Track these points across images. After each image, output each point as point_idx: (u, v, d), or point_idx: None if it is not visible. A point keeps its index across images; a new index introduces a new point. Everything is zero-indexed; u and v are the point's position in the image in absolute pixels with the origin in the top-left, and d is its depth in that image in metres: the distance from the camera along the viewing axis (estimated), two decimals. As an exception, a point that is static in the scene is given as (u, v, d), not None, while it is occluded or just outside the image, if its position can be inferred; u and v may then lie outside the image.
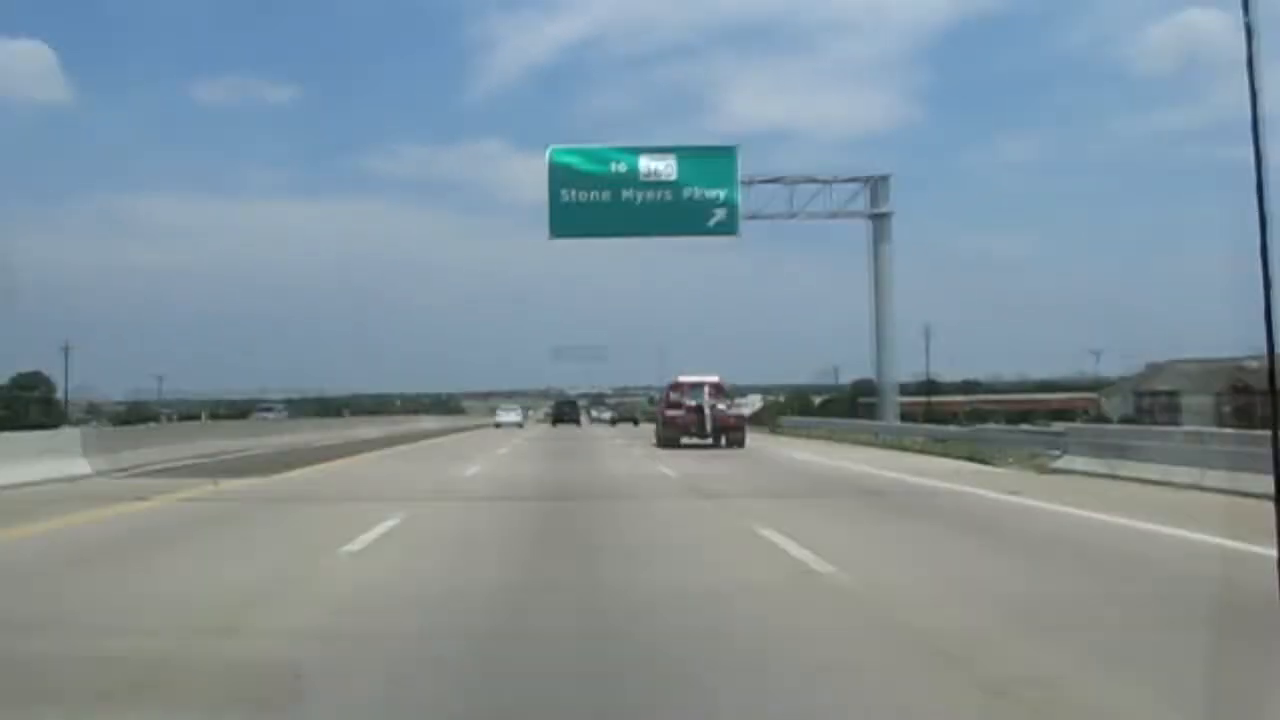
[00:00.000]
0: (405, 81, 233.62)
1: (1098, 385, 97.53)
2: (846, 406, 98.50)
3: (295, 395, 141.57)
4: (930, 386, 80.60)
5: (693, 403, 26.33)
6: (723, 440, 26.04)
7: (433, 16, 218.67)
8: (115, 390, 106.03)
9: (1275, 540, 2.25)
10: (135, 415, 54.21)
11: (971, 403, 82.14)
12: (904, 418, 78.90)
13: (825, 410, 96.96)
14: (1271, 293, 2.04)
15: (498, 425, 50.29)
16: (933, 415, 66.71)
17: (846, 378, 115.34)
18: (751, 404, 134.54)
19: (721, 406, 26.63)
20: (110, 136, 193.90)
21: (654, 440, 28.64)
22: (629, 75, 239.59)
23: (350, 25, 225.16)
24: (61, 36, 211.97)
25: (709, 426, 26.00)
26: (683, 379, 27.78)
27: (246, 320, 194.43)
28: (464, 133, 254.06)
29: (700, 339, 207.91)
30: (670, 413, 27.03)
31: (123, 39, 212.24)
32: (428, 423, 50.15)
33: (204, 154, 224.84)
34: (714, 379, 27.54)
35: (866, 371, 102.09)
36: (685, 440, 26.10)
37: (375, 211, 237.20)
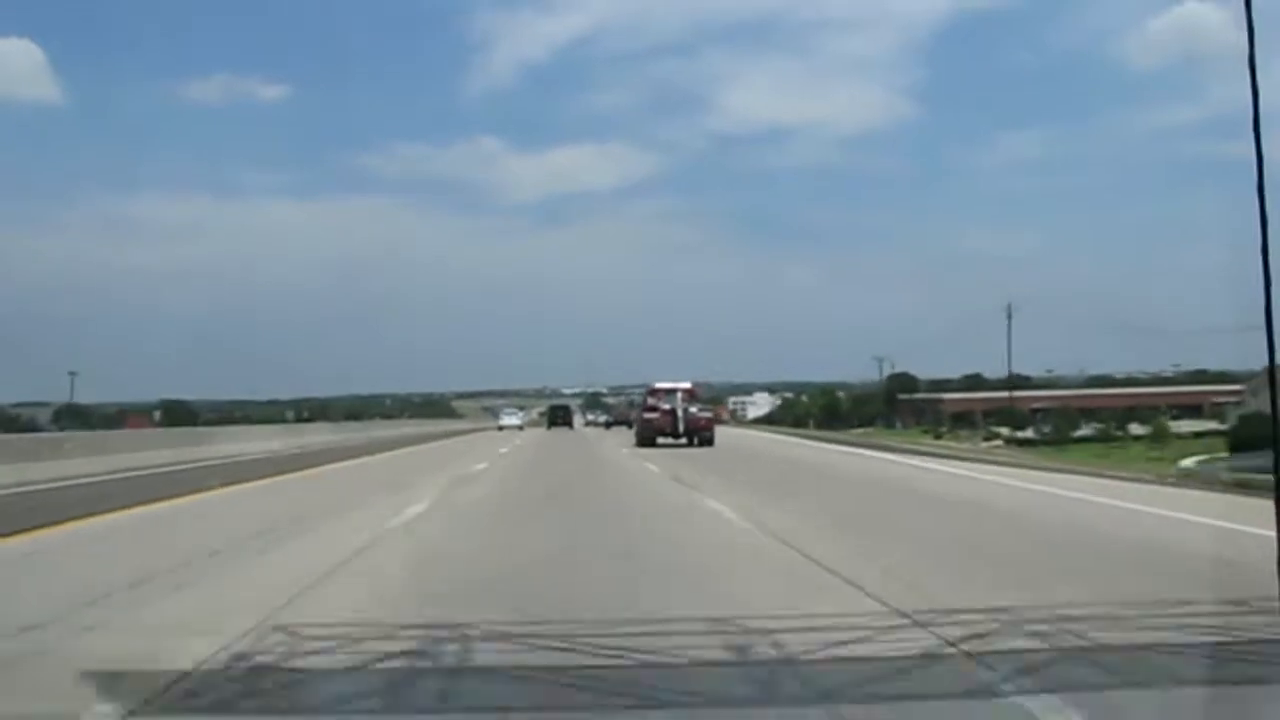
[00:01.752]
0: (400, 80, 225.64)
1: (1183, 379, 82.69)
2: (881, 405, 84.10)
3: (282, 397, 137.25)
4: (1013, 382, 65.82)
5: (667, 406, 28.60)
6: (695, 440, 27.90)
7: (428, 14, 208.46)
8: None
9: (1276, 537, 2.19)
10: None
11: (1064, 398, 66.81)
12: (958, 419, 64.07)
13: (859, 410, 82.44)
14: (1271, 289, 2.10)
15: (500, 428, 57.21)
16: (1014, 415, 52.08)
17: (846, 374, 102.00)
18: (760, 405, 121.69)
19: (694, 410, 28.93)
20: (101, 136, 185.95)
21: (634, 441, 30.05)
22: (627, 73, 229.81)
23: (343, 23, 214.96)
24: (50, 35, 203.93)
25: (681, 428, 28.18)
26: (659, 385, 30.44)
27: (238, 322, 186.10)
28: (461, 131, 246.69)
29: (702, 336, 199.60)
30: (647, 415, 29.27)
31: (112, 37, 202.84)
32: (264, 442, 26.92)
33: (197, 154, 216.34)
34: (686, 385, 30.13)
35: (902, 365, 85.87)
36: (660, 440, 27.94)
37: (371, 211, 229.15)
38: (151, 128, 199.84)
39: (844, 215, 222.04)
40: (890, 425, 68.23)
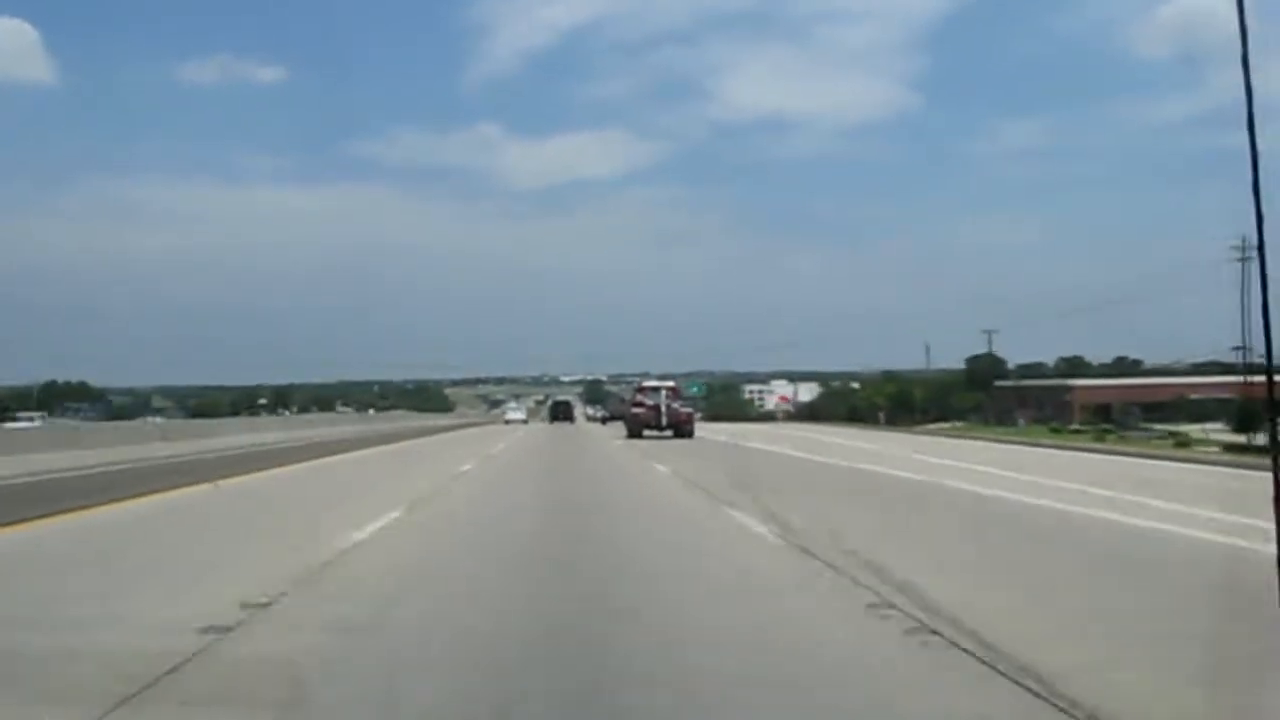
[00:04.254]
0: (401, 65, 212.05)
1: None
2: (970, 396, 64.85)
3: (270, 383, 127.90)
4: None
5: (652, 403, 34.03)
6: (677, 433, 33.11)
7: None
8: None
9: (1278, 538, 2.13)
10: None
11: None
12: (1107, 411, 44.69)
13: (947, 402, 63.39)
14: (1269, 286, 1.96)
15: (507, 421, 59.93)
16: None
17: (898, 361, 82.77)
18: (781, 393, 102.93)
19: (676, 405, 34.35)
20: (96, 118, 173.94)
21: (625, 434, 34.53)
22: (628, 61, 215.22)
23: (342, 5, 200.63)
24: (44, 14, 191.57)
25: (665, 421, 33.55)
26: (647, 384, 37.43)
27: (229, 306, 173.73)
28: (461, 118, 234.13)
29: (705, 324, 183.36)
30: (635, 410, 34.80)
31: (107, 16, 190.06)
32: None
33: (193, 137, 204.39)
34: (670, 384, 36.74)
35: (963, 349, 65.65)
36: (646, 432, 33.16)
37: (370, 197, 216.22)
38: (147, 110, 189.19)
39: (847, 204, 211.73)
40: (1004, 420, 48.76)
